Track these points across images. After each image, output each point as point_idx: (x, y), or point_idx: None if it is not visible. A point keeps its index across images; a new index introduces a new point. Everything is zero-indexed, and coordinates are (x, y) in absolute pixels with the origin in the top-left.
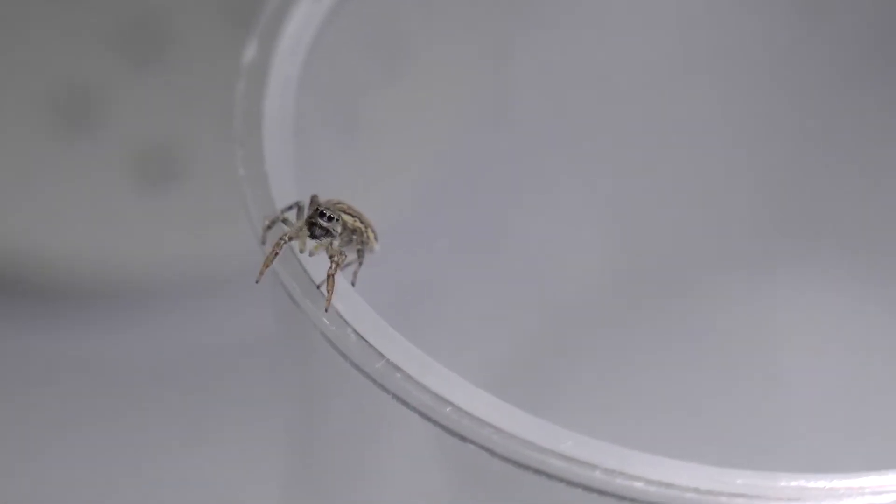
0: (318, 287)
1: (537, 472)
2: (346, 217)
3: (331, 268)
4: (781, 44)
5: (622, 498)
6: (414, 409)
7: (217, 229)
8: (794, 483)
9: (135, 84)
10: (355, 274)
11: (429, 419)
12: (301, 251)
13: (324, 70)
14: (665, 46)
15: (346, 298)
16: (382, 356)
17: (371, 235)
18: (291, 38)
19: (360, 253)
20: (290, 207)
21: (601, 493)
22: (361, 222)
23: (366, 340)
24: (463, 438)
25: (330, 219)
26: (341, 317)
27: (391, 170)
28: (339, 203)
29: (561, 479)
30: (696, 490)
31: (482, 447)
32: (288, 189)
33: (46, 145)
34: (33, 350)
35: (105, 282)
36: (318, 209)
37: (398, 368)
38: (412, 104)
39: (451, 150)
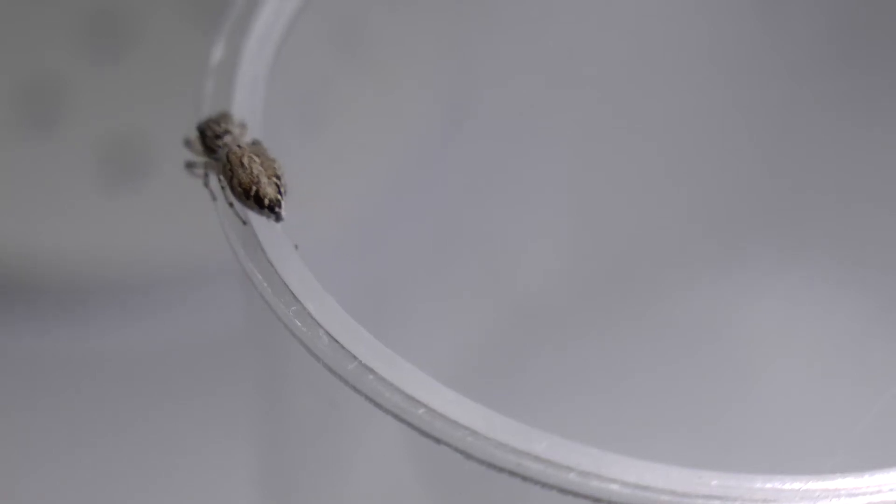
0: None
1: (512, 474)
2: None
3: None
4: (744, 36)
5: (598, 500)
6: (387, 411)
7: (185, 226)
8: (769, 485)
9: (102, 79)
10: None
11: (402, 421)
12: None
13: (291, 67)
14: (629, 42)
15: (318, 299)
16: (355, 358)
17: (237, 175)
18: (259, 37)
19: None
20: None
21: (576, 495)
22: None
23: (338, 342)
24: (437, 440)
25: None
26: (313, 318)
27: (356, 166)
28: (256, 144)
29: (536, 482)
30: (673, 492)
31: (456, 449)
32: None
33: (12, 142)
34: None
35: (71, 278)
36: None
37: (371, 370)
38: (377, 100)
39: (416, 145)
